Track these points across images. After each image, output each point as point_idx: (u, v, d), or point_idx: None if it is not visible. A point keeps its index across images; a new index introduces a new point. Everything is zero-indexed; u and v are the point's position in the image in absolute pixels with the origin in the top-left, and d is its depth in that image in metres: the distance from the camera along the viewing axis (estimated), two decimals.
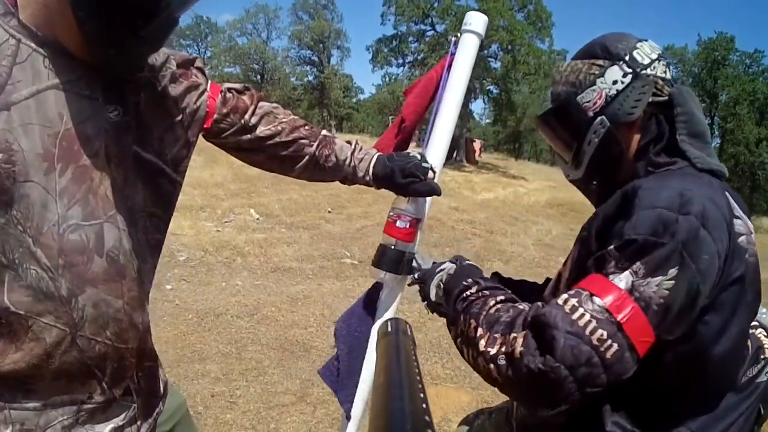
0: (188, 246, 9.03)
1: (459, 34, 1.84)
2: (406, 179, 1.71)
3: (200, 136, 1.68)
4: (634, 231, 1.21)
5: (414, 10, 40.53)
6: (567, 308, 1.17)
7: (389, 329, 1.14)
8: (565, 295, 1.21)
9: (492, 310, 1.34)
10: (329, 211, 13.35)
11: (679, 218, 1.20)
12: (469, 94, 41.93)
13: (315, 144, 1.80)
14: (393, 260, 1.71)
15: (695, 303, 1.21)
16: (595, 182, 1.61)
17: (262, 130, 1.72)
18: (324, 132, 1.85)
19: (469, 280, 1.51)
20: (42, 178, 1.19)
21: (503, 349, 1.22)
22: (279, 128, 1.74)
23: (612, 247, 1.23)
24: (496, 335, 1.26)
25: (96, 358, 1.35)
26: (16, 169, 1.15)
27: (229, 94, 1.67)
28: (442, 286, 1.58)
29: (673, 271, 1.16)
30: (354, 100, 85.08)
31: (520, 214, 17.61)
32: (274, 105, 1.78)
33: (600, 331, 1.13)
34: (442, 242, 12.18)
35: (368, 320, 1.83)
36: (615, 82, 1.47)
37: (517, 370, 1.18)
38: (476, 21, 1.80)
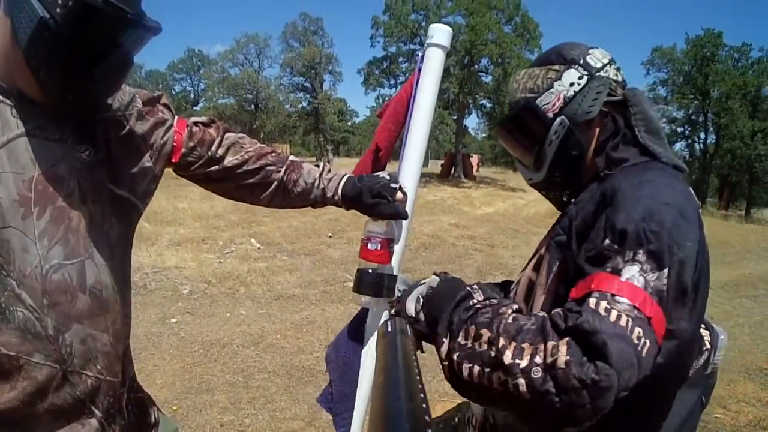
0: (191, 279, 9.04)
1: (424, 49, 1.84)
2: (373, 200, 1.70)
3: (171, 170, 1.72)
4: (625, 222, 1.23)
5: (402, 30, 40.73)
6: (602, 311, 1.12)
7: (389, 329, 1.17)
8: (591, 299, 1.15)
9: (510, 319, 1.25)
10: (329, 236, 13.36)
11: (661, 208, 1.24)
12: (463, 110, 42.01)
13: (282, 169, 1.81)
14: (371, 283, 1.66)
15: (687, 288, 1.25)
16: (556, 182, 1.64)
17: (229, 160, 1.74)
18: (291, 157, 1.87)
19: (474, 286, 1.46)
20: (20, 222, 1.26)
21: (537, 360, 1.12)
22: (246, 157, 1.76)
23: (607, 241, 1.24)
24: (523, 345, 1.16)
25: (89, 393, 1.41)
26: None
27: (195, 128, 1.71)
28: (421, 299, 1.50)
29: (668, 261, 1.19)
30: (349, 123, 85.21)
31: (520, 226, 17.59)
32: (240, 135, 1.81)
33: (638, 329, 1.11)
34: (444, 259, 12.17)
35: (356, 346, 1.80)
36: (572, 84, 1.54)
37: (561, 382, 1.08)
38: (439, 33, 1.78)
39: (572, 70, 1.56)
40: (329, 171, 1.87)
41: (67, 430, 1.40)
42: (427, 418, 0.68)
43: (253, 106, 55.67)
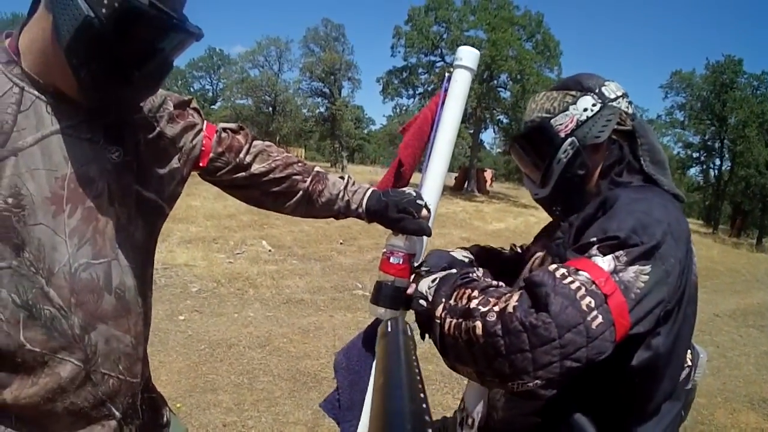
0: (201, 277, 9.07)
1: (452, 69, 1.86)
2: (398, 214, 1.73)
3: (197, 175, 1.75)
4: (617, 228, 1.29)
5: (423, 42, 40.76)
6: (557, 274, 1.22)
7: (389, 329, 1.18)
8: (554, 265, 1.26)
9: (493, 284, 1.40)
10: (341, 243, 13.38)
11: (653, 223, 1.30)
12: (479, 124, 42.01)
13: (308, 180, 1.83)
14: (389, 296, 1.68)
15: (662, 300, 1.28)
16: (559, 199, 1.72)
17: (256, 168, 1.76)
18: (317, 168, 1.89)
19: (478, 269, 1.57)
20: (50, 220, 1.27)
21: (495, 308, 1.24)
22: (273, 165, 1.78)
23: (594, 239, 1.30)
24: (490, 298, 1.29)
25: (110, 393, 1.42)
26: (26, 212, 1.24)
27: (224, 134, 1.73)
28: (437, 281, 1.54)
29: (648, 267, 1.25)
30: (365, 131, 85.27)
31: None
32: (268, 144, 1.83)
33: (589, 298, 1.17)
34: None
35: (368, 356, 1.81)
36: (585, 109, 1.63)
37: (506, 324, 1.19)
38: (468, 56, 1.82)
39: (588, 97, 1.64)
40: (353, 183, 1.88)
41: (79, 422, 1.40)
42: (427, 418, 0.68)
43: (270, 109, 55.78)
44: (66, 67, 1.23)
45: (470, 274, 1.49)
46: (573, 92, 1.67)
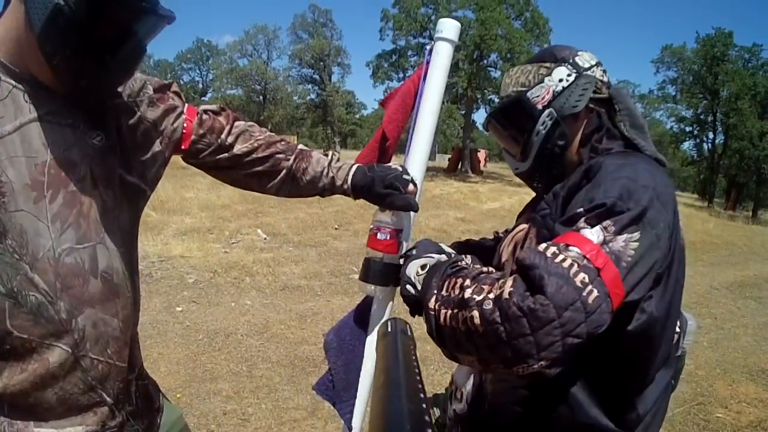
0: (197, 268, 9.07)
1: (433, 42, 1.86)
2: (385, 190, 1.72)
3: (179, 159, 1.74)
4: (603, 196, 1.29)
5: (411, 24, 40.62)
6: (548, 254, 1.20)
7: (389, 329, 1.18)
8: (543, 245, 1.25)
9: (484, 270, 1.39)
10: (336, 228, 13.38)
11: (639, 188, 1.31)
12: (471, 104, 41.90)
13: (291, 158, 1.82)
14: (378, 272, 1.69)
15: (654, 264, 1.30)
16: (541, 171, 1.73)
17: (239, 148, 1.75)
18: (300, 146, 1.88)
19: (466, 257, 1.55)
20: (32, 206, 1.26)
21: (490, 295, 1.22)
22: (255, 145, 1.77)
23: (581, 209, 1.30)
24: (483, 285, 1.27)
25: (100, 378, 1.42)
26: (6, 199, 1.23)
27: (205, 116, 1.72)
28: (427, 267, 1.54)
29: (637, 234, 1.25)
30: (357, 116, 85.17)
31: None
32: (250, 124, 1.82)
33: (582, 274, 1.16)
34: None
35: (361, 334, 1.82)
36: (561, 80, 1.65)
37: (504, 310, 1.17)
38: (448, 28, 1.81)
39: (562, 68, 1.66)
40: (338, 160, 1.88)
41: (79, 419, 1.42)
42: (427, 418, 0.68)
43: (261, 98, 55.69)
44: (40, 55, 1.23)
45: (459, 263, 1.47)
46: (547, 64, 1.69)
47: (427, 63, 1.83)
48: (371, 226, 1.75)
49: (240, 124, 1.79)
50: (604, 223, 1.25)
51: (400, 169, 1.79)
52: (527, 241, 1.58)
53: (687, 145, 55.76)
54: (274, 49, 58.81)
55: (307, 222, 13.66)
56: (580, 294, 1.15)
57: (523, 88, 1.68)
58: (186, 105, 1.69)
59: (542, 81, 1.66)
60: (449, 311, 1.31)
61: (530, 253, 1.23)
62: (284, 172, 1.82)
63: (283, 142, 1.84)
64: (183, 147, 1.68)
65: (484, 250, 2.04)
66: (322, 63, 54.89)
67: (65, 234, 1.32)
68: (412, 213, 1.79)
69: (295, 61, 55.49)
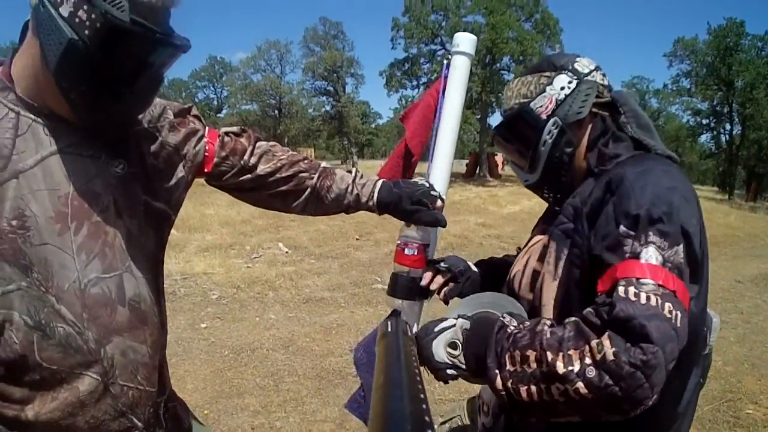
0: (220, 284, 9.09)
1: (450, 56, 1.86)
2: (413, 206, 1.73)
3: (207, 183, 1.76)
4: (636, 207, 1.31)
5: (422, 32, 40.71)
6: (632, 297, 1.20)
7: (389, 329, 1.17)
8: (619, 288, 1.23)
9: (548, 334, 1.29)
10: (357, 239, 13.37)
11: (666, 192, 1.33)
12: (486, 109, 41.87)
13: (315, 176, 1.82)
14: (406, 287, 1.71)
15: (698, 260, 1.34)
16: (550, 182, 1.72)
17: (262, 169, 1.75)
18: (323, 164, 1.88)
19: (505, 316, 1.45)
20: (57, 239, 1.28)
21: (588, 361, 1.19)
22: (278, 165, 1.77)
23: (622, 228, 1.31)
24: (570, 353, 1.22)
25: (130, 404, 1.44)
26: (31, 233, 1.25)
27: (227, 138, 1.72)
28: (459, 344, 1.46)
29: (680, 239, 1.29)
30: (373, 125, 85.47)
31: None
32: (272, 144, 1.82)
33: (666, 304, 1.18)
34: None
35: None
36: (563, 88, 1.65)
37: (615, 372, 1.15)
38: (465, 42, 1.82)
39: (563, 75, 1.66)
40: (362, 177, 1.87)
41: None
42: (427, 418, 0.68)
43: (276, 112, 55.91)
44: (57, 90, 1.25)
45: (505, 329, 1.38)
46: (547, 73, 1.69)
47: (445, 78, 1.83)
48: (398, 241, 1.76)
49: (262, 145, 1.79)
50: (654, 240, 1.27)
51: (427, 185, 1.79)
52: (547, 256, 1.58)
53: (704, 137, 55.54)
54: (287, 63, 59.15)
55: (328, 234, 13.68)
56: (672, 323, 1.18)
57: (525, 100, 1.68)
58: (207, 128, 1.70)
59: (544, 91, 1.66)
60: (533, 387, 1.27)
61: (619, 305, 1.19)
62: (308, 190, 1.82)
63: (306, 161, 1.84)
64: (206, 170, 1.69)
65: (508, 268, 1.97)
66: (335, 75, 55.07)
67: (91, 265, 1.33)
68: (436, 229, 1.80)
69: (308, 74, 55.77)
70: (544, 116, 1.64)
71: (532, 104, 1.66)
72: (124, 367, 1.40)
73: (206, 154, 1.67)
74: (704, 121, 51.29)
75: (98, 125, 1.35)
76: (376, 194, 1.81)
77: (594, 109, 1.64)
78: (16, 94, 1.30)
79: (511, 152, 1.80)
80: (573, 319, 1.30)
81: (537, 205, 21.85)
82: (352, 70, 57.02)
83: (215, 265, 10.16)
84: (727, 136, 49.49)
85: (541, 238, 1.69)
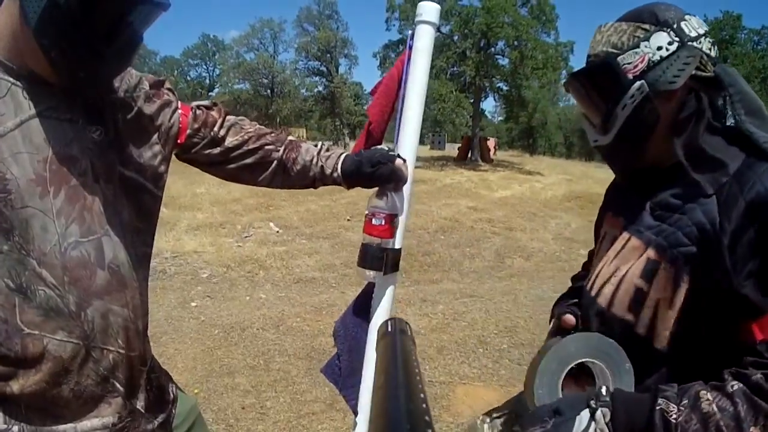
0: (210, 263, 9.09)
1: (414, 26, 1.85)
2: (373, 168, 1.71)
3: (175, 154, 1.76)
4: None
5: None
6: None
7: (389, 329, 1.16)
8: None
9: (718, 415, 1.17)
10: (348, 219, 13.38)
11: None
12: (479, 93, 41.82)
13: (281, 149, 1.82)
14: (375, 257, 1.68)
15: None
16: (621, 149, 1.51)
17: (230, 141, 1.76)
18: (290, 137, 1.89)
19: (659, 401, 1.24)
20: (38, 202, 1.28)
21: None
22: (245, 137, 1.78)
23: None
24: (751, 430, 1.14)
25: (111, 368, 1.45)
26: (12, 197, 1.25)
27: (198, 111, 1.74)
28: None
29: None
30: (365, 107, 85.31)
31: (538, 209, 17.52)
32: (240, 118, 1.84)
33: None
34: (462, 242, 12.15)
35: (363, 321, 1.84)
36: (660, 48, 1.39)
37: None
38: (428, 11, 1.80)
39: (663, 33, 1.40)
40: (327, 149, 1.88)
41: (96, 412, 1.43)
42: (427, 418, 0.66)
43: (268, 91, 55.63)
44: (37, 49, 1.24)
45: (669, 418, 1.20)
46: (646, 26, 1.43)
47: (410, 48, 1.82)
48: (366, 212, 1.74)
49: (231, 118, 1.81)
50: None
51: (386, 148, 1.78)
52: (657, 277, 1.39)
53: None
54: (281, 42, 58.88)
55: (319, 214, 13.69)
56: None
57: (614, 50, 1.44)
58: (179, 102, 1.71)
59: (637, 46, 1.41)
60: None
61: None
62: (275, 163, 1.83)
63: (272, 134, 1.85)
64: (179, 141, 1.69)
65: None
66: (328, 55, 54.86)
67: (70, 228, 1.33)
68: (406, 196, 1.78)
69: (301, 53, 55.49)
70: (630, 76, 1.41)
71: (620, 58, 1.42)
72: (104, 330, 1.40)
73: (180, 125, 1.68)
74: None
75: (78, 85, 1.35)
76: (339, 165, 1.80)
77: (690, 83, 1.39)
78: None
79: (585, 103, 1.58)
80: (735, 386, 1.17)
81: (528, 190, 22.01)
82: (345, 50, 56.81)
83: (206, 243, 10.17)
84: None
85: (633, 243, 1.47)
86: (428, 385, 5.03)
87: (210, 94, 73.71)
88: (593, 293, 1.56)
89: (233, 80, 56.81)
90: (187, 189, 14.69)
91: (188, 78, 79.31)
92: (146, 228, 1.62)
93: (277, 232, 11.75)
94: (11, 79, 1.28)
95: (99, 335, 1.39)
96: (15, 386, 1.32)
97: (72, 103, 1.37)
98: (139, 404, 1.56)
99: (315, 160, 1.82)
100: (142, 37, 1.39)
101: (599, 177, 28.73)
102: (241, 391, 4.85)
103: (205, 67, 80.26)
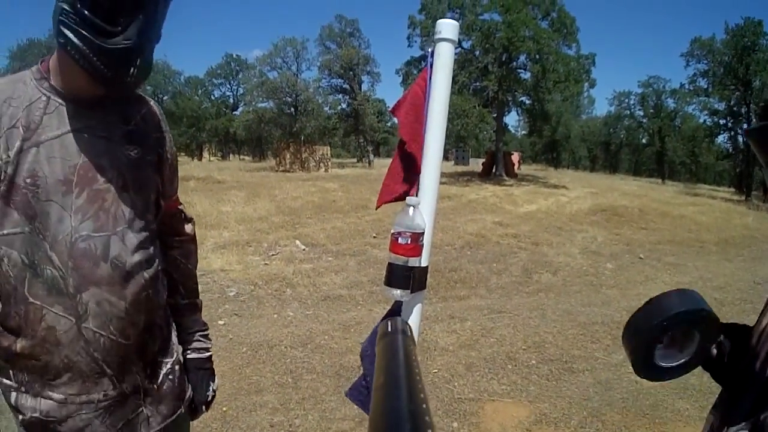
0: (237, 281, 9.12)
1: (433, 44, 1.85)
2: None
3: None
4: None
5: None
6: None
7: (389, 329, 1.16)
8: None
9: None
10: (374, 237, 13.37)
11: None
12: (502, 107, 41.75)
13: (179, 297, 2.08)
14: (402, 276, 1.68)
15: None
16: None
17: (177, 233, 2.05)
18: (197, 302, 2.20)
19: None
20: (60, 198, 1.53)
21: None
22: (179, 259, 2.08)
23: None
24: None
25: (101, 350, 1.62)
26: (39, 190, 1.51)
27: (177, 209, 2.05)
28: None
29: None
30: (389, 123, 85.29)
31: (563, 223, 17.43)
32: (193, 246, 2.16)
33: None
34: (489, 258, 12.10)
35: None
36: None
37: None
38: (447, 28, 1.80)
39: None
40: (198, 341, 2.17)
41: (80, 384, 1.63)
42: (427, 418, 0.67)
43: (292, 109, 55.84)
44: (73, 65, 1.47)
45: None
46: None
47: (430, 66, 1.82)
48: (392, 231, 1.74)
49: (189, 230, 2.11)
50: None
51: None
52: None
53: (721, 138, 55.07)
54: (303, 60, 59.09)
55: (345, 231, 13.70)
56: None
57: None
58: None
59: None
60: None
61: None
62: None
63: (190, 291, 2.15)
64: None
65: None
66: (351, 72, 55.00)
67: (84, 224, 1.56)
68: (431, 214, 1.78)
69: (324, 71, 55.66)
70: None
71: None
72: (96, 315, 1.58)
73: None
74: (721, 122, 50.89)
75: (107, 83, 1.52)
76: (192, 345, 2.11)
77: None
78: (49, 83, 1.58)
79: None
80: None
81: (554, 204, 21.88)
82: (368, 67, 56.91)
83: (232, 262, 10.21)
84: (744, 137, 49.04)
85: None
86: (457, 402, 5.01)
87: (234, 113, 74.20)
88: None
89: (257, 99, 57.15)
90: (213, 207, 14.79)
91: (212, 97, 79.86)
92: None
93: (304, 249, 11.78)
94: (59, 101, 1.57)
95: (92, 319, 1.58)
96: (18, 345, 1.57)
97: (112, 126, 1.64)
98: (130, 389, 1.71)
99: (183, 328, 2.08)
100: (154, 18, 1.53)
101: (624, 190, 28.52)
102: (270, 408, 4.84)
103: (228, 86, 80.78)
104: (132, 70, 1.51)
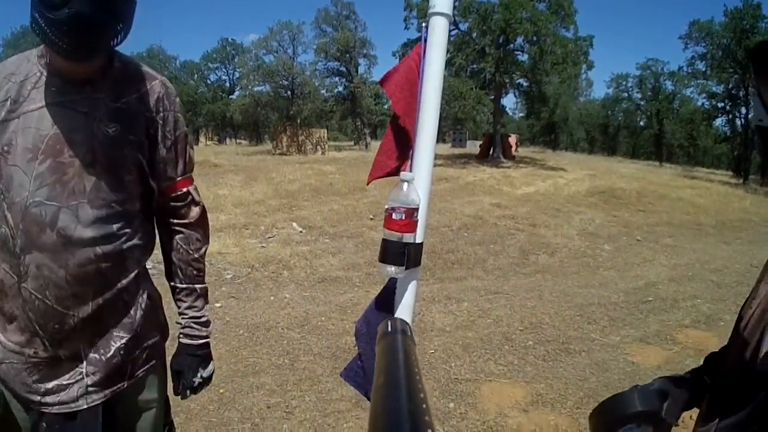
0: (234, 264, 9.12)
1: (427, 19, 1.81)
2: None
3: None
4: None
5: None
6: None
7: (389, 329, 1.15)
8: None
9: None
10: (371, 218, 13.38)
11: None
12: (500, 90, 41.62)
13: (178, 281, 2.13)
14: (396, 252, 1.65)
15: None
16: None
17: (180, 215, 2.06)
18: (199, 288, 2.19)
19: None
20: (25, 164, 1.63)
21: None
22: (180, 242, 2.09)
23: None
24: None
25: (36, 312, 1.70)
26: (9, 155, 1.63)
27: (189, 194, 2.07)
28: None
29: None
30: (386, 106, 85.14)
31: (561, 205, 17.44)
32: (202, 227, 2.19)
33: None
34: (486, 239, 12.11)
35: (386, 316, 1.81)
36: None
37: None
38: (441, 2, 1.75)
39: None
40: (189, 327, 2.15)
41: (19, 335, 1.73)
42: (427, 418, 0.66)
43: (289, 93, 55.69)
44: (47, 45, 1.61)
45: None
46: None
47: (424, 41, 1.78)
48: (386, 207, 1.71)
49: (196, 214, 2.11)
50: None
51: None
52: None
53: (719, 121, 55.00)
54: (300, 44, 58.70)
55: (342, 213, 13.70)
56: None
57: None
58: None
59: None
60: None
61: None
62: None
63: (195, 274, 2.18)
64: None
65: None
66: (347, 55, 54.83)
67: (40, 190, 1.64)
68: (425, 190, 1.75)
69: (320, 55, 55.45)
70: None
71: None
72: (35, 278, 1.66)
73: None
74: (719, 105, 50.75)
75: (73, 57, 1.60)
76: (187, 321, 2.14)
77: None
78: (46, 60, 1.69)
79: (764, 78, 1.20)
80: None
81: (551, 186, 21.89)
82: (364, 50, 56.70)
83: (229, 244, 10.20)
84: (743, 120, 48.87)
85: None
86: (454, 383, 5.02)
87: (230, 97, 74.02)
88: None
89: (253, 83, 56.97)
90: (209, 191, 14.76)
91: (208, 81, 79.64)
92: (151, 218, 2.00)
93: (301, 232, 11.78)
94: (51, 77, 1.68)
95: (31, 280, 1.66)
96: None
97: (96, 102, 1.71)
98: (67, 354, 1.76)
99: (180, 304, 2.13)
100: None
101: (622, 172, 28.50)
102: (267, 390, 4.85)
103: (224, 70, 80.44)
104: (88, 40, 1.56)
